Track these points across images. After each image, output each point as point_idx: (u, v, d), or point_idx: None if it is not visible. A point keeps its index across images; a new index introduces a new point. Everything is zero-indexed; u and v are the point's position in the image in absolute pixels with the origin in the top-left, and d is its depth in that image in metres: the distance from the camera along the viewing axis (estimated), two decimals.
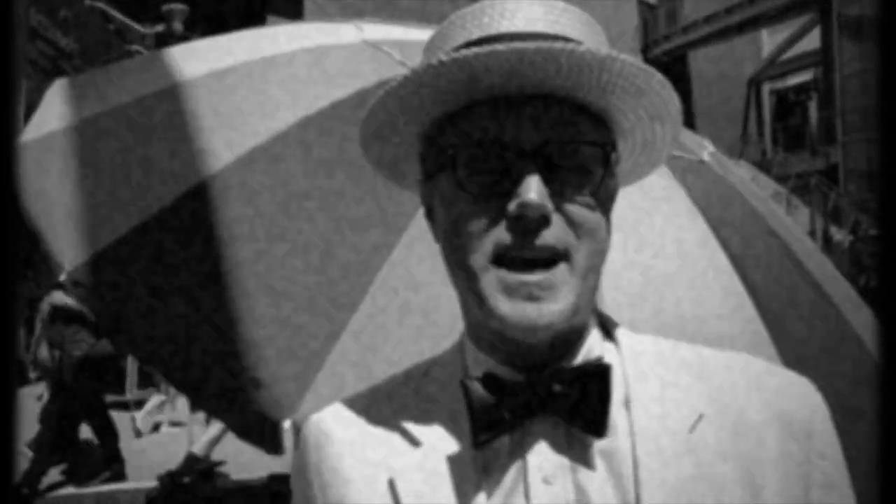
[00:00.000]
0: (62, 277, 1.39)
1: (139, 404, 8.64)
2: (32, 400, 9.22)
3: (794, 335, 1.62)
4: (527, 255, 0.65)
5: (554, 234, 0.65)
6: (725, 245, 1.67)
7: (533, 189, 0.63)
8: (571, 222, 0.66)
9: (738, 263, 1.65)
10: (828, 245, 15.27)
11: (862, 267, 13.57)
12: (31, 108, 1.72)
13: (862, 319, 1.77)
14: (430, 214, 0.77)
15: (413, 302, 1.63)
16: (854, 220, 16.75)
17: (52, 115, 1.67)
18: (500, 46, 0.63)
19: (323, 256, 1.64)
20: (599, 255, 0.69)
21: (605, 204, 0.70)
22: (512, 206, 0.64)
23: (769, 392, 0.70)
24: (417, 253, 1.64)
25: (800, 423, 0.69)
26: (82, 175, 1.56)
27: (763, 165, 21.26)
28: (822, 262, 1.93)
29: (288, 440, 1.45)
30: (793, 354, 1.52)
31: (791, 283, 1.73)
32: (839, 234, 16.51)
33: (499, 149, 0.66)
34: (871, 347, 1.68)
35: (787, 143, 24.11)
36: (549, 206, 0.64)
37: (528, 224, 0.64)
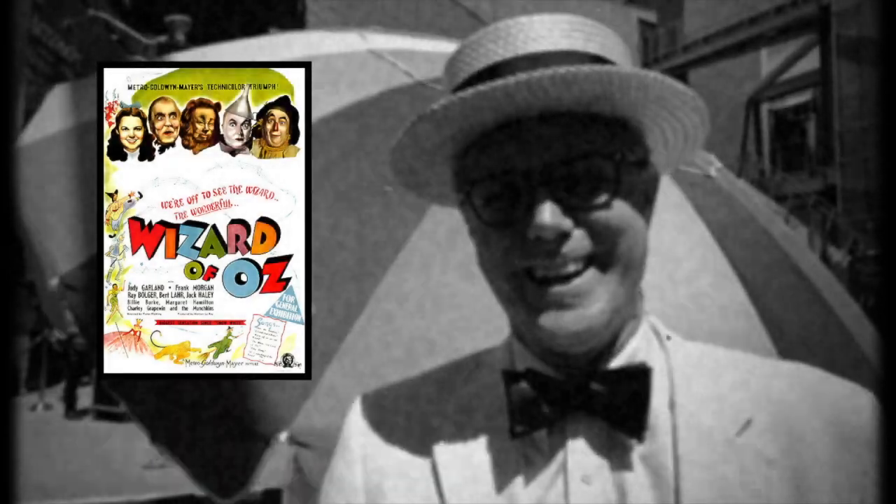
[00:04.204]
0: (54, 281, 1.37)
1: None
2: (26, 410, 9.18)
3: (796, 343, 1.62)
4: (552, 273, 0.67)
5: (574, 246, 0.66)
6: (728, 253, 1.67)
7: (546, 211, 0.65)
8: (593, 231, 0.67)
9: (741, 272, 1.65)
10: (826, 265, 15.29)
11: (861, 287, 13.59)
12: (30, 115, 1.71)
13: (866, 333, 1.77)
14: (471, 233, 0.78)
15: (408, 315, 1.62)
16: (853, 240, 16.81)
17: (50, 119, 1.66)
18: (490, 85, 0.64)
19: (322, 269, 1.63)
20: (634, 248, 0.69)
21: (632, 197, 0.70)
22: (530, 231, 0.66)
23: (825, 401, 0.69)
24: (411, 270, 1.63)
25: (858, 434, 0.67)
26: (79, 178, 1.54)
27: (761, 185, 21.27)
28: (824, 274, 1.94)
29: (286, 452, 1.42)
30: (793, 361, 1.52)
31: (794, 294, 1.74)
32: (838, 255, 16.54)
33: (509, 177, 0.68)
34: (873, 358, 1.67)
35: (786, 163, 24.19)
36: (566, 222, 0.66)
37: (548, 245, 0.66)
